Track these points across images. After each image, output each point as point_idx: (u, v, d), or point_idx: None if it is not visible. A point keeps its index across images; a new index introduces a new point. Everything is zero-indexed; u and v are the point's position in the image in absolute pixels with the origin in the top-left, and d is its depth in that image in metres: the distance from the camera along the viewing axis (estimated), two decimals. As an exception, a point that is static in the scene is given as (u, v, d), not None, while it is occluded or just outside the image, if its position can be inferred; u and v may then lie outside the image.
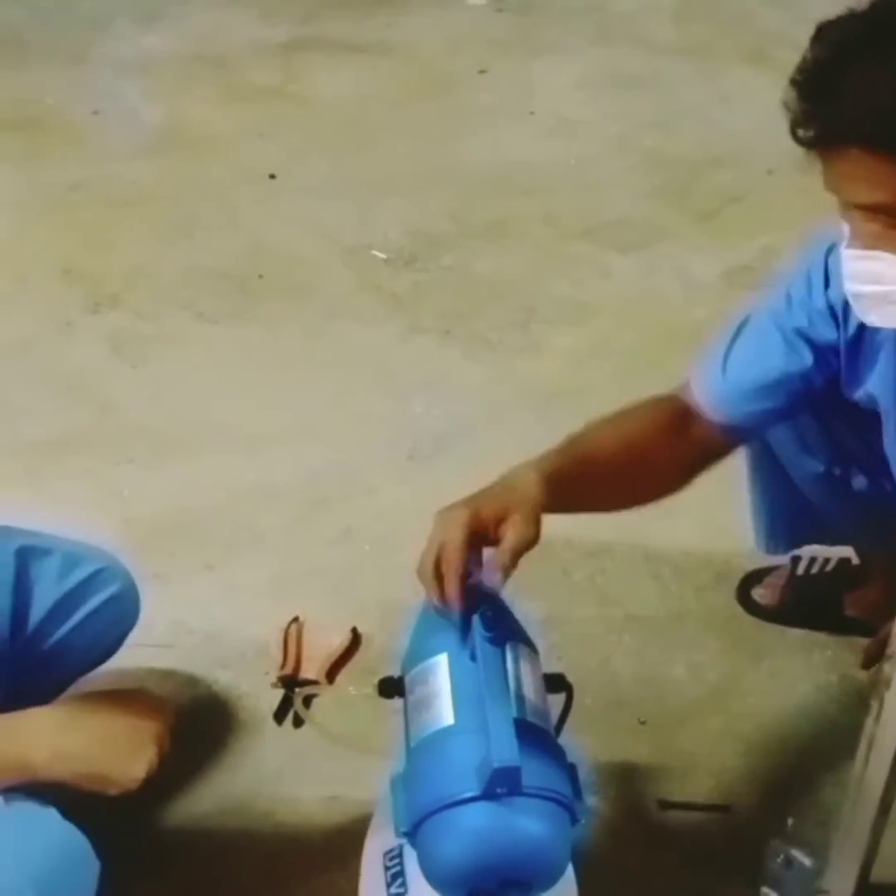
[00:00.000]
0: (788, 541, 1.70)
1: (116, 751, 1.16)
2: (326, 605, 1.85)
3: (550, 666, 1.42)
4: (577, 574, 1.92)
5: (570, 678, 1.36)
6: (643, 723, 1.66)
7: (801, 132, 1.09)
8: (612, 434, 1.36)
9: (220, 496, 2.07)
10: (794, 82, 1.10)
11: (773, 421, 1.42)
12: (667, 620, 1.83)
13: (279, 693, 1.69)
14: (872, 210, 1.11)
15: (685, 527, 2.00)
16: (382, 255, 2.75)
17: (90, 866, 1.11)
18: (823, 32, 1.10)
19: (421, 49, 3.72)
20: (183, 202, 2.94)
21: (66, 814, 1.12)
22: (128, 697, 1.24)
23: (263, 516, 2.04)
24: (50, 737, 1.15)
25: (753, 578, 1.85)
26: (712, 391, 1.38)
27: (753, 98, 3.44)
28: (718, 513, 1.93)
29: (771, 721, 1.66)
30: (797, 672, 1.69)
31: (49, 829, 1.10)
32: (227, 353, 2.45)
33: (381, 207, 2.91)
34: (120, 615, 1.47)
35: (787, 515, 1.63)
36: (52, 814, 1.12)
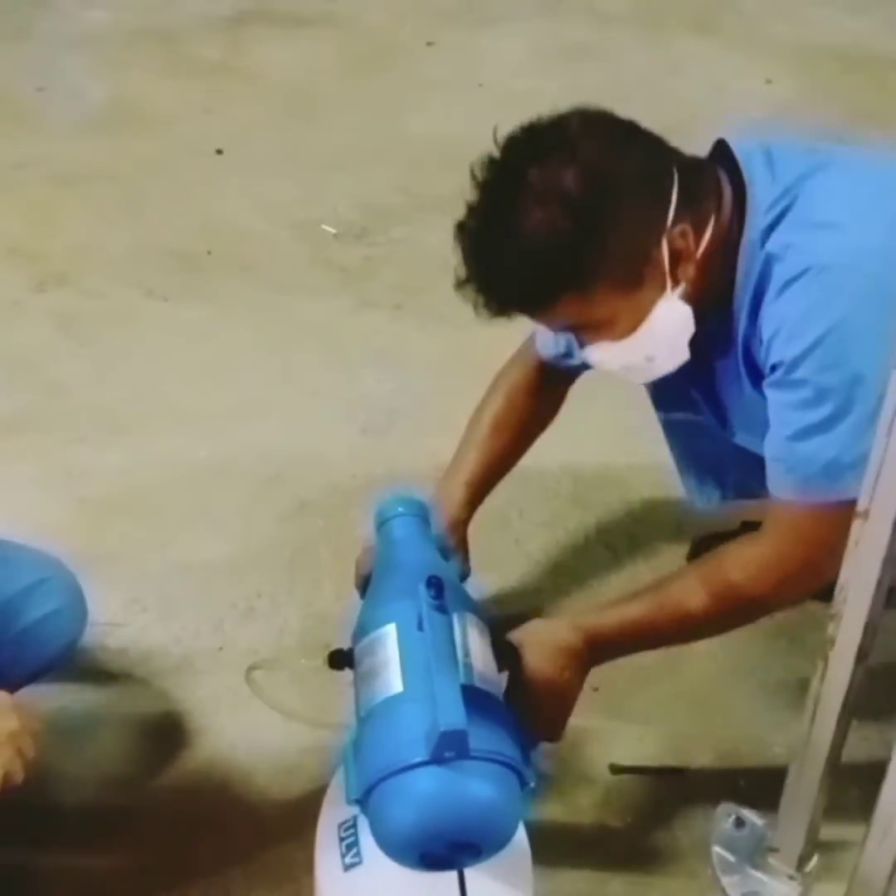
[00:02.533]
0: (716, 494, 1.71)
1: None
2: (281, 582, 1.86)
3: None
4: (530, 544, 1.93)
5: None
6: (596, 689, 1.66)
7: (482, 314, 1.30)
8: (496, 432, 1.64)
9: (173, 474, 2.06)
10: (458, 283, 1.29)
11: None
12: (619, 588, 1.84)
13: (234, 669, 1.68)
14: (561, 331, 1.41)
15: (637, 495, 2.02)
16: (332, 230, 2.74)
17: None
18: (458, 232, 1.29)
19: (367, 21, 3.70)
20: (129, 179, 2.92)
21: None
22: None
23: (216, 494, 2.03)
24: None
25: (704, 543, 1.86)
26: (547, 350, 1.60)
27: (701, 67, 3.45)
28: (669, 479, 1.95)
29: (722, 684, 1.68)
30: (748, 635, 1.70)
31: None
32: (176, 331, 2.43)
33: (330, 181, 2.90)
34: (61, 630, 1.43)
35: (706, 468, 1.65)
36: None
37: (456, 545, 1.58)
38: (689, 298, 1.29)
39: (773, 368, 1.28)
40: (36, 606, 1.39)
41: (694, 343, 1.35)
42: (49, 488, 2.01)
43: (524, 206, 1.22)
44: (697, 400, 1.48)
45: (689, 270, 1.28)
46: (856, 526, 1.13)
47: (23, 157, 2.98)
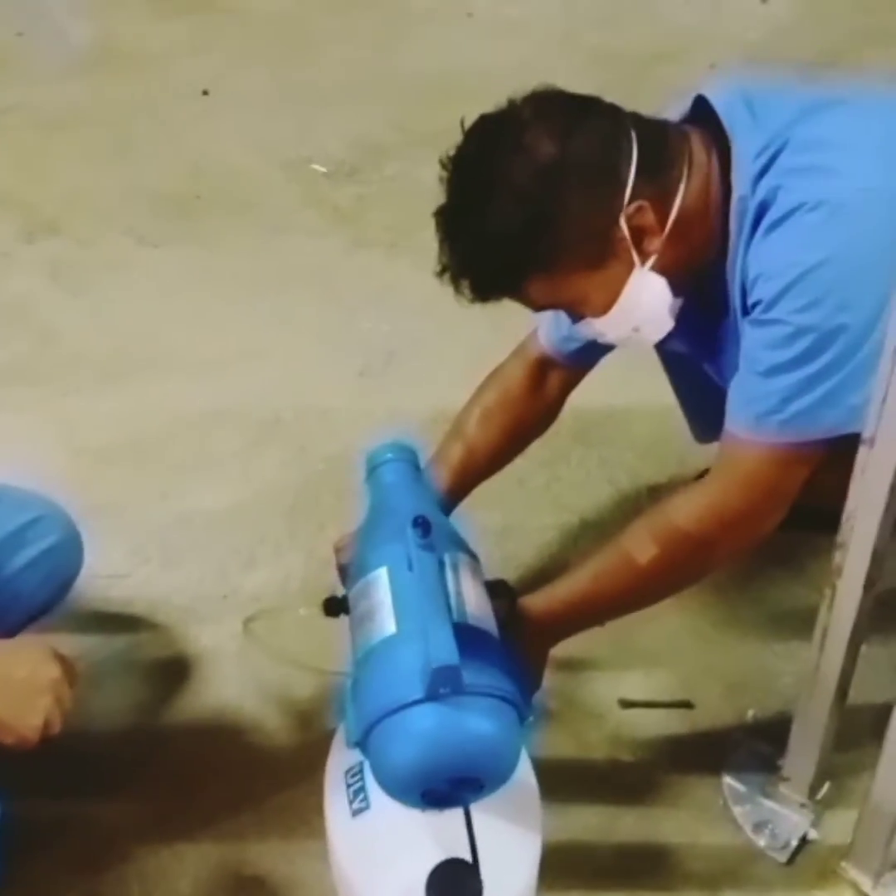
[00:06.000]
0: (717, 428, 1.69)
1: (11, 697, 1.09)
2: (283, 527, 1.85)
3: (508, 575, 1.42)
4: (532, 483, 1.92)
5: (527, 586, 1.36)
6: (602, 624, 1.66)
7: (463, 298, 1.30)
8: (484, 424, 1.58)
9: (171, 422, 2.05)
10: (439, 270, 1.28)
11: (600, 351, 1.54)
12: (622, 524, 1.82)
13: (239, 617, 1.68)
14: (541, 310, 1.38)
15: (639, 432, 2.00)
16: (322, 169, 2.70)
17: None
18: (435, 218, 1.29)
19: (354, -48, 3.62)
20: (116, 123, 2.88)
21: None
22: (23, 646, 1.17)
23: (216, 440, 2.02)
24: None
25: (708, 478, 1.85)
26: (551, 335, 1.56)
27: (695, -12, 3.38)
28: (671, 415, 1.93)
29: (728, 616, 1.67)
30: (752, 567, 1.70)
31: None
32: (170, 277, 2.41)
33: (320, 119, 2.86)
34: (58, 566, 1.43)
35: (705, 404, 1.62)
36: None
37: None
38: (666, 268, 1.28)
39: (754, 307, 1.25)
40: (32, 544, 1.39)
41: (690, 307, 1.33)
42: (45, 439, 2.00)
43: (479, 198, 1.24)
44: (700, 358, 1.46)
45: (655, 243, 1.26)
46: (862, 453, 1.11)
47: (6, 104, 2.94)
